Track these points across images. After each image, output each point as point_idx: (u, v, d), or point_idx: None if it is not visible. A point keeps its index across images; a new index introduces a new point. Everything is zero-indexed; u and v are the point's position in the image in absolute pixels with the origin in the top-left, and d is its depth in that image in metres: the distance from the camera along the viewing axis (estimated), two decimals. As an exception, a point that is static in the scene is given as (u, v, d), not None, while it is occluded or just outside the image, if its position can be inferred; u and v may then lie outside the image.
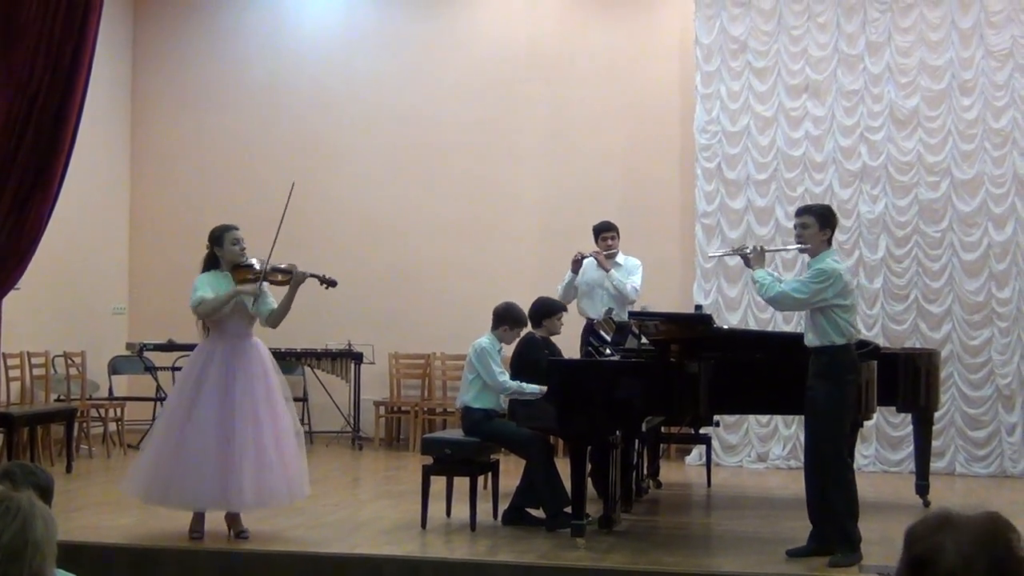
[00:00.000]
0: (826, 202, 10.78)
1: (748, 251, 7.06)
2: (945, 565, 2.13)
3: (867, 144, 11.22)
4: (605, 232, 9.58)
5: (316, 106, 12.84)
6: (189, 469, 6.89)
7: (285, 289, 7.26)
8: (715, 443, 10.67)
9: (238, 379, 7.01)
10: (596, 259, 9.39)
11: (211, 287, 7.13)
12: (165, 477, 6.96)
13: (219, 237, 7.24)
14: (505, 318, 8.08)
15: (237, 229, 7.30)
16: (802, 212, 7.00)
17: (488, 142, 12.42)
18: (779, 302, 6.91)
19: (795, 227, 6.99)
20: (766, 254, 7.12)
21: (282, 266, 7.29)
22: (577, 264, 9.40)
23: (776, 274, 7.63)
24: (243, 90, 13.02)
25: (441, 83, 12.58)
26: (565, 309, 8.65)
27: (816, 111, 11.33)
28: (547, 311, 8.39)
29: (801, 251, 7.08)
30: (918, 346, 10.62)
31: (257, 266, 7.21)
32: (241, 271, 7.20)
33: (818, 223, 6.79)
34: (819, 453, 6.74)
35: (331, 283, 7.37)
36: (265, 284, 7.19)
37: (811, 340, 6.76)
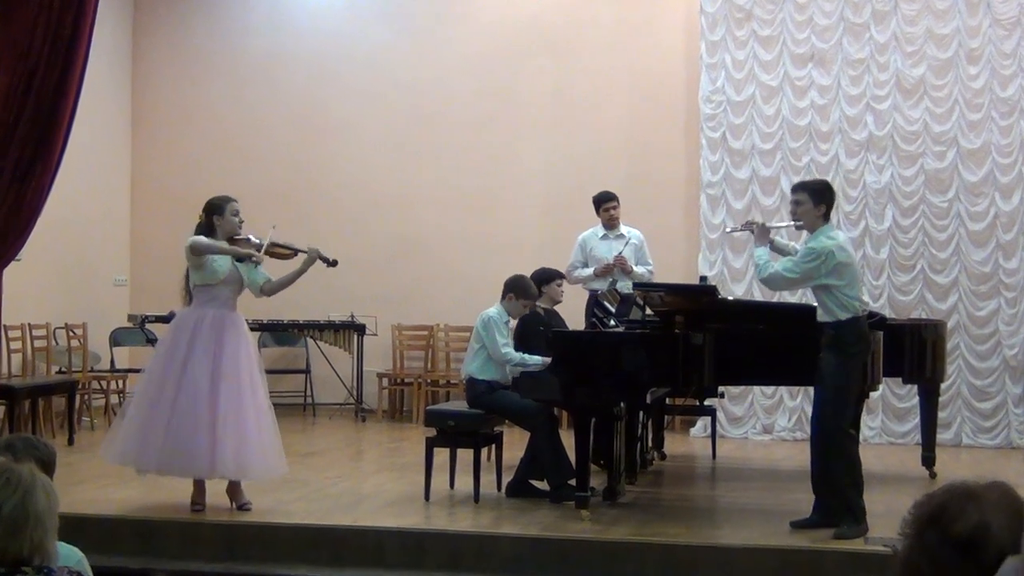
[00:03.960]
0: (831, 172, 10.87)
1: (755, 228, 7.08)
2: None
3: (873, 113, 11.18)
4: (606, 202, 9.60)
5: (318, 77, 12.81)
6: (182, 436, 6.87)
7: (284, 266, 7.30)
8: (720, 415, 10.70)
9: (225, 349, 7.02)
10: (622, 268, 9.32)
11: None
12: (158, 444, 6.92)
13: (220, 206, 7.22)
14: (514, 288, 8.07)
15: (236, 201, 7.31)
16: (796, 189, 6.98)
17: (492, 114, 12.37)
18: (772, 282, 6.93)
19: (791, 203, 6.99)
20: (769, 230, 7.10)
21: (286, 243, 7.32)
22: (605, 274, 9.34)
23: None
24: (245, 61, 12.98)
25: (444, 54, 12.53)
26: (563, 276, 8.73)
27: (822, 80, 11.29)
28: (544, 277, 8.45)
29: (797, 228, 7.04)
30: (924, 317, 10.63)
31: (255, 240, 7.23)
32: (238, 243, 7.20)
33: (812, 199, 6.75)
34: (823, 425, 6.74)
35: (334, 264, 7.40)
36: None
37: (820, 316, 6.77)
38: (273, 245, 7.26)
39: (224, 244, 7.12)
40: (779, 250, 7.11)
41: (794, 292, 10.80)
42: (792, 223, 7.02)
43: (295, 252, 7.30)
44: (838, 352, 6.65)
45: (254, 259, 7.09)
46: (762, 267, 6.81)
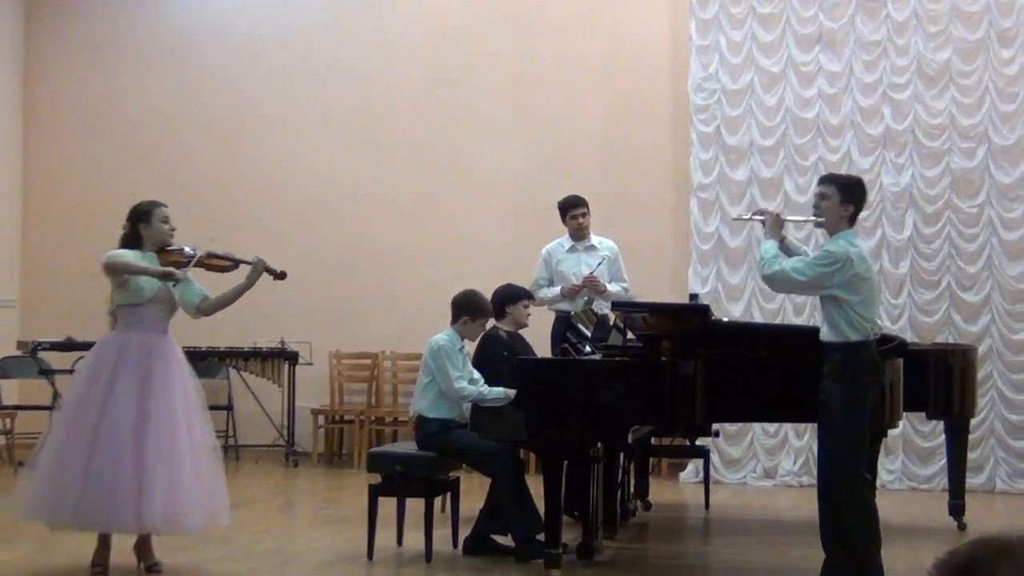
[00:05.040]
0: (843, 172, 10.82)
1: (767, 217, 7.09)
2: None
3: (891, 104, 11.22)
4: (573, 208, 9.61)
5: (245, 64, 12.84)
6: (103, 484, 6.78)
7: (220, 278, 7.31)
8: (714, 457, 10.71)
9: (155, 381, 6.96)
10: (592, 289, 9.36)
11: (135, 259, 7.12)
12: (75, 494, 6.82)
13: (147, 213, 7.21)
14: (465, 308, 8.07)
15: (166, 206, 7.30)
16: (825, 180, 7.02)
17: (445, 106, 12.40)
18: (775, 280, 6.90)
19: (814, 195, 6.98)
20: (784, 223, 7.10)
21: (225, 252, 7.31)
22: (570, 295, 9.40)
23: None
24: (158, 44, 12.97)
25: (389, 36, 12.58)
26: (531, 296, 8.74)
27: (831, 66, 11.33)
28: (509, 297, 8.44)
29: (816, 225, 7.08)
30: (951, 341, 10.67)
31: (188, 250, 7.21)
32: (169, 255, 7.17)
33: (840, 194, 6.76)
34: (832, 468, 6.73)
35: (281, 276, 7.40)
36: (191, 270, 7.19)
37: (824, 334, 6.75)
38: (210, 256, 7.26)
39: (138, 262, 7.06)
40: (789, 251, 7.11)
41: (800, 310, 10.84)
42: (812, 218, 7.02)
43: (236, 263, 7.30)
44: (846, 380, 6.63)
45: (174, 278, 7.03)
46: (768, 261, 6.77)
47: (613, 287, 9.46)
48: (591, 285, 9.34)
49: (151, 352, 7.02)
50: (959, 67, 11.14)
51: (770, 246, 6.88)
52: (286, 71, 12.73)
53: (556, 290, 9.49)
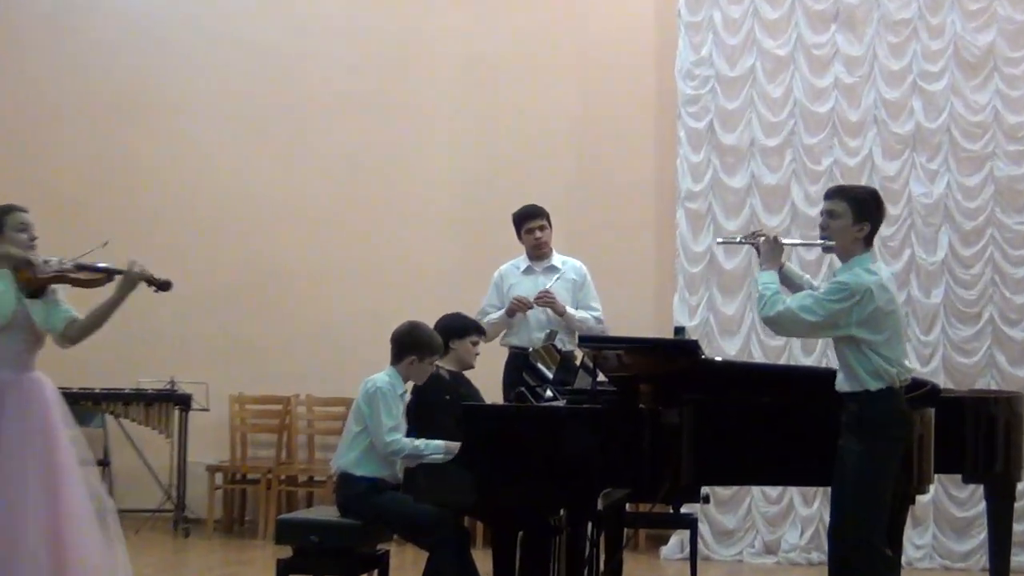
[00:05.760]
0: (863, 180, 10.86)
1: (762, 241, 7.06)
2: None
3: (922, 97, 11.24)
4: (529, 220, 9.64)
5: (130, 43, 12.82)
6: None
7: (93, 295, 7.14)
8: (703, 528, 10.68)
9: (9, 429, 6.82)
10: (546, 306, 9.43)
11: None
12: None
13: None
14: (413, 346, 8.04)
15: (25, 211, 7.18)
16: (833, 194, 6.98)
17: (379, 96, 12.45)
18: (780, 324, 6.88)
19: (822, 213, 6.97)
20: (783, 248, 7.08)
21: (96, 263, 7.18)
22: (516, 313, 9.50)
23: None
24: (22, 16, 12.98)
25: (312, 10, 12.62)
26: (481, 330, 8.76)
27: (850, 49, 11.35)
28: (455, 330, 8.44)
29: (825, 250, 7.11)
30: (993, 387, 10.71)
31: (54, 265, 7.10)
32: (29, 269, 7.05)
33: (852, 212, 6.75)
34: (847, 542, 6.73)
35: (164, 286, 7.28)
36: (59, 286, 7.10)
37: (840, 383, 6.77)
38: (78, 268, 7.14)
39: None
40: (789, 282, 7.06)
41: (808, 348, 10.79)
42: (820, 242, 7.02)
43: (108, 274, 7.16)
44: (865, 437, 6.63)
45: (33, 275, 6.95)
46: (769, 300, 6.74)
47: (581, 313, 9.45)
48: (545, 301, 9.35)
49: (5, 393, 6.87)
50: (1005, 53, 11.17)
51: (769, 279, 6.88)
52: (184, 50, 12.74)
53: (501, 312, 9.55)
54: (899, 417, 6.70)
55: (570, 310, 9.40)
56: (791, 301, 6.76)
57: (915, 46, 11.25)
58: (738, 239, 8.19)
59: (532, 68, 12.18)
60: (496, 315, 9.54)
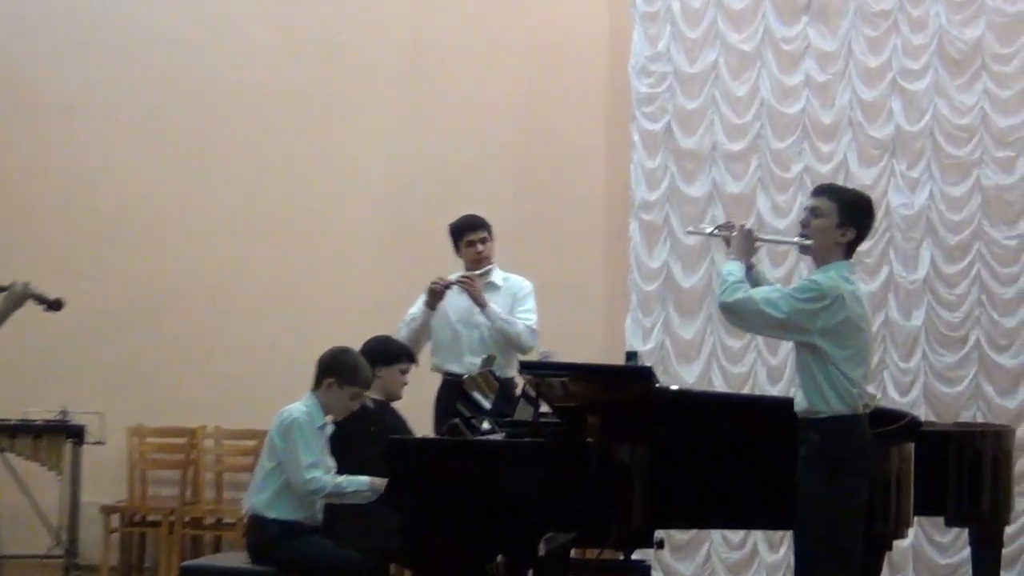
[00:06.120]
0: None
1: (734, 233, 7.15)
2: None
3: (902, 97, 11.30)
4: (469, 232, 9.71)
5: (22, 31, 12.72)
6: None
7: None
8: None
9: None
10: (465, 289, 9.55)
11: None
12: None
13: None
14: (331, 368, 8.07)
15: None
16: (820, 191, 7.12)
17: (299, 88, 12.42)
18: (738, 312, 6.92)
19: (804, 209, 7.09)
20: (756, 243, 7.22)
21: None
22: (436, 296, 9.57)
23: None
24: None
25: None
26: (412, 357, 8.86)
27: (823, 44, 11.42)
28: (381, 355, 8.50)
29: (801, 250, 7.18)
30: (980, 420, 10.79)
31: None
32: None
33: (838, 213, 6.85)
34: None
35: (54, 305, 7.27)
36: None
37: (799, 402, 6.84)
38: None
39: None
40: (756, 285, 7.13)
41: (775, 377, 10.78)
42: (797, 240, 7.07)
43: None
44: (823, 467, 6.68)
45: None
46: (730, 286, 6.82)
47: (502, 312, 9.53)
48: (465, 284, 9.48)
49: None
50: (994, 49, 11.24)
51: (735, 268, 6.95)
52: (76, 35, 12.64)
53: (416, 308, 9.61)
54: (863, 448, 6.75)
55: (496, 308, 9.43)
56: (755, 292, 6.83)
57: (895, 40, 11.34)
58: (708, 230, 8.16)
59: (473, 64, 12.22)
60: (415, 309, 9.57)
